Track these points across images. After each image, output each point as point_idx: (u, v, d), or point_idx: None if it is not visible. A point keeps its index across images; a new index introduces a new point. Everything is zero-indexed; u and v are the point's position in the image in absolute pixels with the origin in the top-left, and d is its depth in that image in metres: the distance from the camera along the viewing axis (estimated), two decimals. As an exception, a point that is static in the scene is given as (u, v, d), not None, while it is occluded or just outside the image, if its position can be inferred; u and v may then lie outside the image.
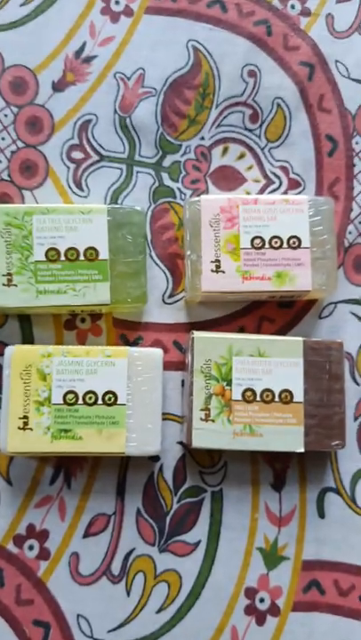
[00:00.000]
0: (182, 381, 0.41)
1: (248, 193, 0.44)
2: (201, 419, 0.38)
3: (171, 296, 0.43)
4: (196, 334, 0.39)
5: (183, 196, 0.43)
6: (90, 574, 0.40)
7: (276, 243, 0.40)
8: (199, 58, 0.44)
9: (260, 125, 0.44)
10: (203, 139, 0.44)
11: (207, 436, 0.38)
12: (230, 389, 0.38)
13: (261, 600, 0.40)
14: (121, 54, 0.44)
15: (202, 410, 0.38)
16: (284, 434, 0.38)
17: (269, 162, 0.44)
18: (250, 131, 0.44)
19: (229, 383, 0.38)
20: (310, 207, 0.40)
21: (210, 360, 0.38)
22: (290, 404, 0.38)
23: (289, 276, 0.40)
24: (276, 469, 0.41)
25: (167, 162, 0.43)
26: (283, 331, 0.43)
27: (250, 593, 0.40)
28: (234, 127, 0.44)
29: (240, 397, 0.38)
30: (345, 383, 0.39)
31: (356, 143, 0.44)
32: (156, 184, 0.43)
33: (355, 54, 0.44)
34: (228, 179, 0.44)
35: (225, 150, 0.44)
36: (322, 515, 0.41)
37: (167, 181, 0.43)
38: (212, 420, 0.38)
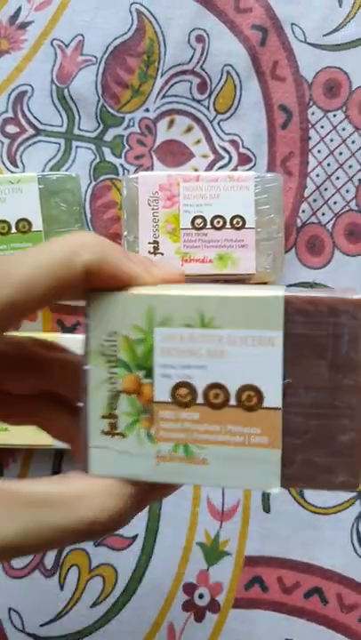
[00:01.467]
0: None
1: (196, 169, 0.41)
2: (103, 431, 0.21)
3: (112, 279, 0.40)
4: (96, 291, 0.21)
5: (126, 172, 0.41)
6: (22, 567, 0.38)
7: (218, 223, 0.37)
8: (143, 22, 0.41)
9: (209, 96, 0.41)
10: (147, 110, 0.41)
11: (115, 460, 0.21)
12: (151, 384, 0.21)
13: (201, 596, 0.38)
14: (59, 19, 0.41)
15: (104, 417, 0.21)
16: (247, 461, 0.21)
17: (218, 135, 0.41)
18: (198, 101, 0.41)
19: (149, 373, 0.21)
20: (257, 184, 0.38)
21: (115, 333, 0.21)
22: (257, 411, 0.21)
23: (231, 258, 0.37)
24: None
25: (109, 136, 0.41)
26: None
27: (189, 589, 0.39)
28: (180, 98, 0.41)
29: (168, 398, 0.21)
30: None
31: (313, 114, 0.41)
32: (97, 160, 0.41)
33: (313, 16, 0.41)
34: (175, 154, 0.41)
35: (171, 123, 0.41)
36: (267, 509, 0.39)
37: (109, 157, 0.41)
38: (122, 435, 0.21)
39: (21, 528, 0.19)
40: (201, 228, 0.37)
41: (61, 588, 0.38)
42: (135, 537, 0.39)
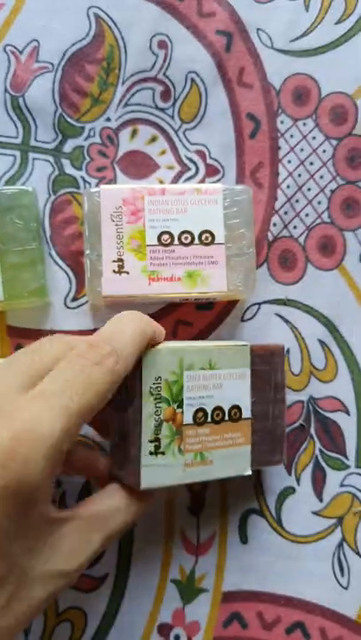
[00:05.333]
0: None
1: (161, 182, 0.39)
2: (150, 452, 0.29)
3: (74, 299, 0.38)
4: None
5: (88, 185, 0.38)
6: (-18, 616, 0.35)
7: (186, 239, 0.35)
8: (102, 27, 0.39)
9: (173, 104, 0.39)
10: (109, 120, 0.38)
11: (157, 473, 0.30)
12: (182, 412, 0.30)
13: (177, 637, 0.36)
14: (12, 24, 0.38)
15: (151, 441, 0.29)
16: (233, 456, 0.32)
17: (184, 145, 0.39)
18: (161, 110, 0.39)
19: (180, 405, 0.30)
20: (225, 197, 0.36)
21: (160, 378, 0.30)
22: (239, 422, 0.32)
23: (201, 275, 0.35)
24: (193, 490, 0.37)
25: (68, 147, 0.38)
26: (202, 335, 0.38)
27: (164, 630, 0.36)
28: (143, 106, 0.39)
29: (191, 421, 0.31)
30: (285, 391, 0.35)
31: (282, 122, 0.39)
32: (56, 172, 0.38)
33: (279, 21, 0.39)
34: (139, 165, 0.39)
35: (134, 133, 0.39)
36: (245, 540, 0.37)
37: (69, 169, 0.38)
38: (163, 453, 0.30)
39: (101, 538, 0.27)
40: (168, 245, 0.35)
41: (26, 635, 0.35)
42: (105, 576, 0.36)
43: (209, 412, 0.31)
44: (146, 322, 0.29)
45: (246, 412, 0.33)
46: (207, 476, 0.31)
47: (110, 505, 0.28)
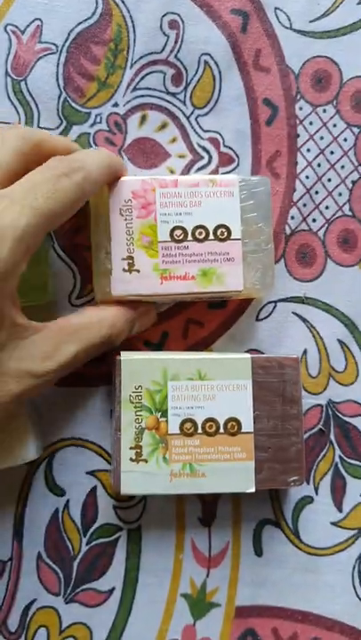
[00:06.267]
0: (111, 411, 0.34)
1: (172, 171, 0.36)
2: (131, 459, 0.31)
3: (79, 297, 0.36)
4: (124, 355, 0.32)
5: (94, 175, 0.36)
6: (-19, 632, 0.33)
7: (200, 234, 0.33)
8: (109, 6, 0.36)
9: (185, 88, 0.36)
10: (116, 105, 0.36)
11: (139, 480, 0.31)
12: (166, 421, 0.31)
13: (187, 654, 0.34)
14: (13, 2, 0.36)
15: (132, 448, 0.31)
16: (232, 472, 0.31)
17: (197, 133, 0.36)
18: (172, 95, 0.36)
19: (165, 414, 0.31)
20: (242, 189, 0.33)
21: (140, 387, 0.31)
22: (237, 436, 0.32)
23: (216, 273, 0.33)
24: (205, 500, 0.35)
25: (74, 134, 0.36)
26: (214, 336, 0.36)
27: (173, 647, 0.34)
28: (153, 91, 0.36)
29: (178, 430, 0.31)
30: (302, 406, 0.33)
31: (300, 109, 0.37)
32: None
33: (298, 0, 0.37)
34: (148, 153, 0.36)
35: (143, 119, 0.36)
36: (259, 552, 0.35)
37: (74, 158, 0.36)
38: (145, 460, 0.31)
39: (74, 349, 0.29)
40: (181, 241, 0.33)
41: (27, 653, 0.33)
42: (112, 590, 0.34)
43: (199, 423, 0.31)
44: (116, 158, 0.32)
45: (247, 426, 0.32)
46: (201, 489, 0.31)
47: (82, 320, 0.30)
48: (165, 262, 0.33)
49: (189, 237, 0.33)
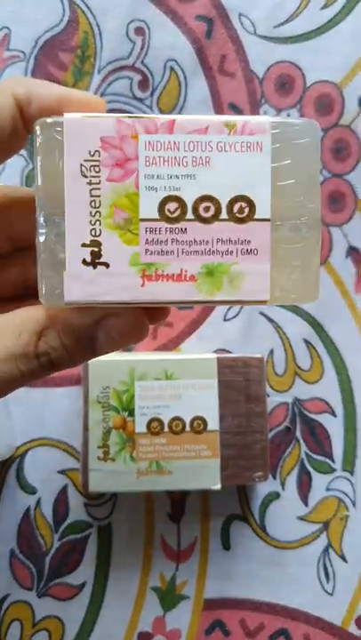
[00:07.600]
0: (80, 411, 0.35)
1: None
2: (98, 457, 0.32)
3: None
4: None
5: (63, 180, 0.37)
6: None
7: (207, 209, 0.20)
8: (76, 13, 0.37)
9: (152, 94, 0.37)
10: (84, 111, 0.37)
11: (106, 479, 0.32)
12: (133, 421, 0.33)
13: (157, 646, 0.35)
14: (-19, 10, 0.36)
15: (99, 447, 0.32)
16: (198, 469, 0.33)
17: (164, 137, 0.37)
18: (139, 100, 0.37)
19: (132, 413, 0.33)
20: (275, 140, 0.19)
21: (108, 387, 0.33)
22: (203, 434, 0.33)
23: (229, 273, 0.20)
24: (173, 496, 0.36)
25: (42, 140, 0.37)
26: (183, 336, 0.37)
27: (144, 638, 0.35)
28: (120, 96, 0.37)
29: (145, 429, 0.33)
30: (266, 404, 0.34)
31: (265, 112, 0.37)
32: (30, 167, 0.37)
33: (262, 5, 0.37)
34: (116, 158, 0.37)
35: (111, 125, 0.37)
36: (227, 547, 0.36)
37: (43, 163, 0.37)
38: (112, 459, 0.32)
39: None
40: (177, 220, 0.19)
41: (1, 645, 0.34)
42: (83, 584, 0.35)
43: (165, 422, 0.33)
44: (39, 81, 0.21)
45: (213, 424, 0.33)
46: (168, 486, 0.33)
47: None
48: (150, 253, 0.20)
49: (189, 214, 0.20)
